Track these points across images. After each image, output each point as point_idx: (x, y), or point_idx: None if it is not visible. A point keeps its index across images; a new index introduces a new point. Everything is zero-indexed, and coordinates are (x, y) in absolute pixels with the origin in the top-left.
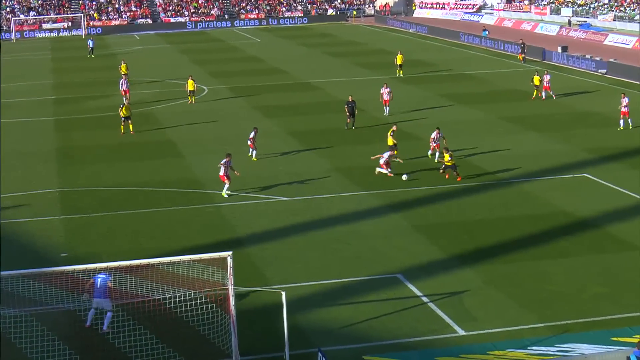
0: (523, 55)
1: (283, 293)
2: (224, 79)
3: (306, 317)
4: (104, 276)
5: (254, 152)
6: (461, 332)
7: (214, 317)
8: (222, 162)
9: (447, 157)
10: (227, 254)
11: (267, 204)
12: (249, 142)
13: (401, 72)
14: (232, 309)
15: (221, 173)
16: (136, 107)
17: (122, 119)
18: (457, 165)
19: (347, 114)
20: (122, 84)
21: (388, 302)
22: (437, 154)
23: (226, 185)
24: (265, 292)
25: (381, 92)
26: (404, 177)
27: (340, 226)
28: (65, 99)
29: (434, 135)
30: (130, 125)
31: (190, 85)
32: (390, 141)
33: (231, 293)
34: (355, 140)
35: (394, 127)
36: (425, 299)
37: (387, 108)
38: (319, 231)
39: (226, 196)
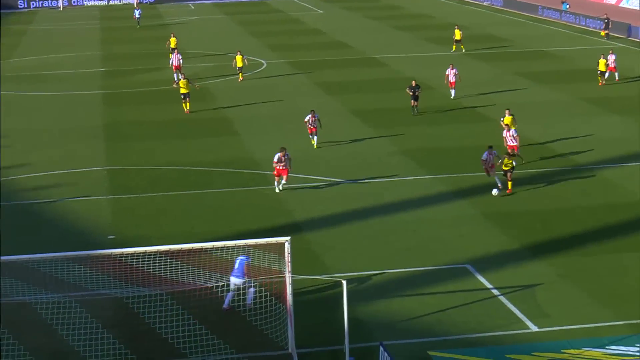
0: (606, 32)
1: (344, 282)
2: (283, 53)
3: (367, 309)
4: (243, 257)
5: (315, 137)
6: (534, 329)
7: (269, 307)
8: (278, 159)
9: (508, 162)
10: (285, 239)
11: (328, 187)
12: (309, 127)
13: (462, 47)
14: (289, 298)
15: (280, 167)
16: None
17: (182, 96)
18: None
19: (411, 99)
20: (172, 59)
21: (455, 294)
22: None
23: (282, 181)
24: (325, 281)
25: (447, 73)
26: (494, 192)
27: (405, 212)
28: (115, 71)
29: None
30: (188, 104)
31: (239, 61)
32: (509, 122)
33: (288, 281)
34: (422, 121)
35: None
36: (495, 292)
37: (454, 91)
38: (382, 217)
39: (278, 191)
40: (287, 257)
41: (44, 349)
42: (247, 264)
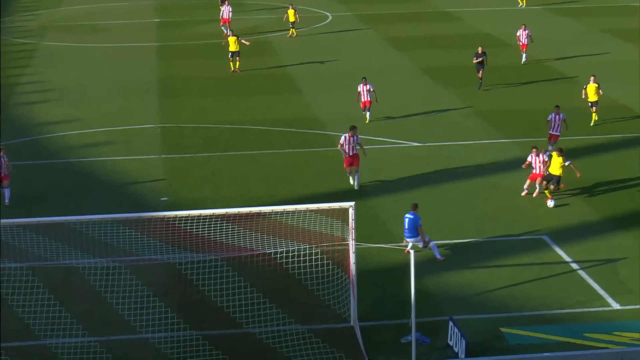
0: None
1: (412, 252)
2: (350, 5)
3: (436, 281)
4: (411, 216)
5: (369, 112)
6: (615, 306)
7: (331, 276)
8: (345, 140)
9: (559, 160)
10: (349, 204)
11: (396, 150)
12: (362, 99)
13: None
14: (352, 267)
15: (348, 154)
16: (250, 35)
17: (230, 54)
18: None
19: (477, 69)
20: (222, 11)
21: (531, 267)
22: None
23: (357, 176)
24: (391, 250)
25: (517, 34)
26: (550, 203)
27: (479, 178)
28: (170, 22)
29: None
30: (237, 62)
31: (291, 15)
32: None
33: (352, 249)
34: (497, 80)
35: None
36: (574, 266)
37: (525, 54)
38: (453, 183)
39: (357, 188)
40: (351, 223)
41: (91, 316)
42: (414, 221)
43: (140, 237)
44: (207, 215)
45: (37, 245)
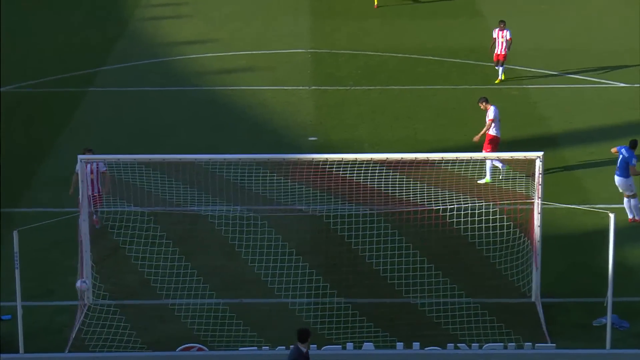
0: None
1: (611, 216)
2: None
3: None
4: (624, 151)
5: (501, 68)
6: None
7: (510, 242)
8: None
9: None
10: (536, 155)
11: (594, 90)
12: (495, 50)
13: None
14: (537, 232)
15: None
16: None
17: None
18: None
19: None
20: None
21: None
22: None
23: (500, 165)
24: (585, 212)
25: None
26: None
27: None
28: None
29: None
30: None
31: None
32: None
33: (537, 210)
34: None
35: None
36: None
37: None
38: None
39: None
40: (538, 178)
41: (221, 274)
42: (625, 159)
43: (283, 183)
44: (363, 160)
45: (162, 187)
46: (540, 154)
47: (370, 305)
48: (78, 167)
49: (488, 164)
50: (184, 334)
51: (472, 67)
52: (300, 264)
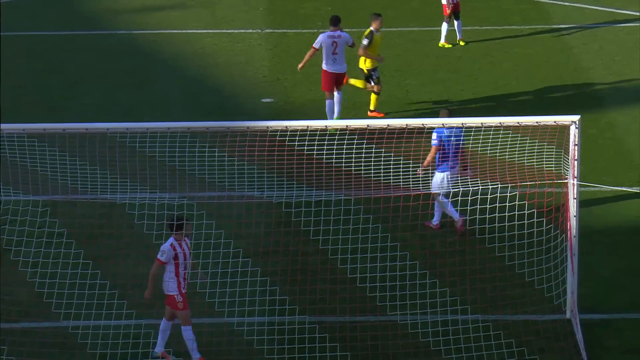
0: None
1: None
2: None
3: None
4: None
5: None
6: None
7: (536, 236)
8: None
9: None
10: (571, 119)
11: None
12: None
13: None
14: (573, 224)
15: None
16: None
17: None
18: None
19: None
20: None
21: None
22: None
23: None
24: (636, 196)
25: None
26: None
27: None
28: None
29: None
30: None
31: None
32: None
33: (572, 194)
34: None
35: None
36: None
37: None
38: None
39: None
40: (573, 150)
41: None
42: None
43: (227, 161)
44: (335, 129)
45: (62, 168)
46: (577, 117)
47: (345, 326)
48: None
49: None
50: None
51: (487, 2)
52: (250, 269)
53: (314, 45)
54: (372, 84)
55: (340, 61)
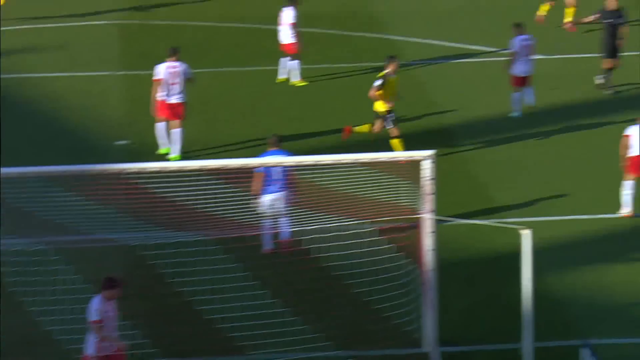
0: None
1: (525, 233)
2: None
3: (564, 282)
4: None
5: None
6: None
7: (393, 272)
8: None
9: None
10: (425, 154)
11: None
12: None
13: None
14: (429, 257)
15: None
16: None
17: None
18: None
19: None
20: None
21: None
22: None
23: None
24: (493, 229)
25: None
26: None
27: None
28: None
29: None
30: None
31: None
32: None
33: (428, 229)
34: None
35: None
36: None
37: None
38: None
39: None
40: (427, 185)
41: None
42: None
43: (83, 205)
44: (191, 170)
45: None
46: (432, 152)
47: None
48: None
49: None
50: None
51: (338, 39)
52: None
53: (154, 77)
54: (389, 126)
55: (176, 91)
